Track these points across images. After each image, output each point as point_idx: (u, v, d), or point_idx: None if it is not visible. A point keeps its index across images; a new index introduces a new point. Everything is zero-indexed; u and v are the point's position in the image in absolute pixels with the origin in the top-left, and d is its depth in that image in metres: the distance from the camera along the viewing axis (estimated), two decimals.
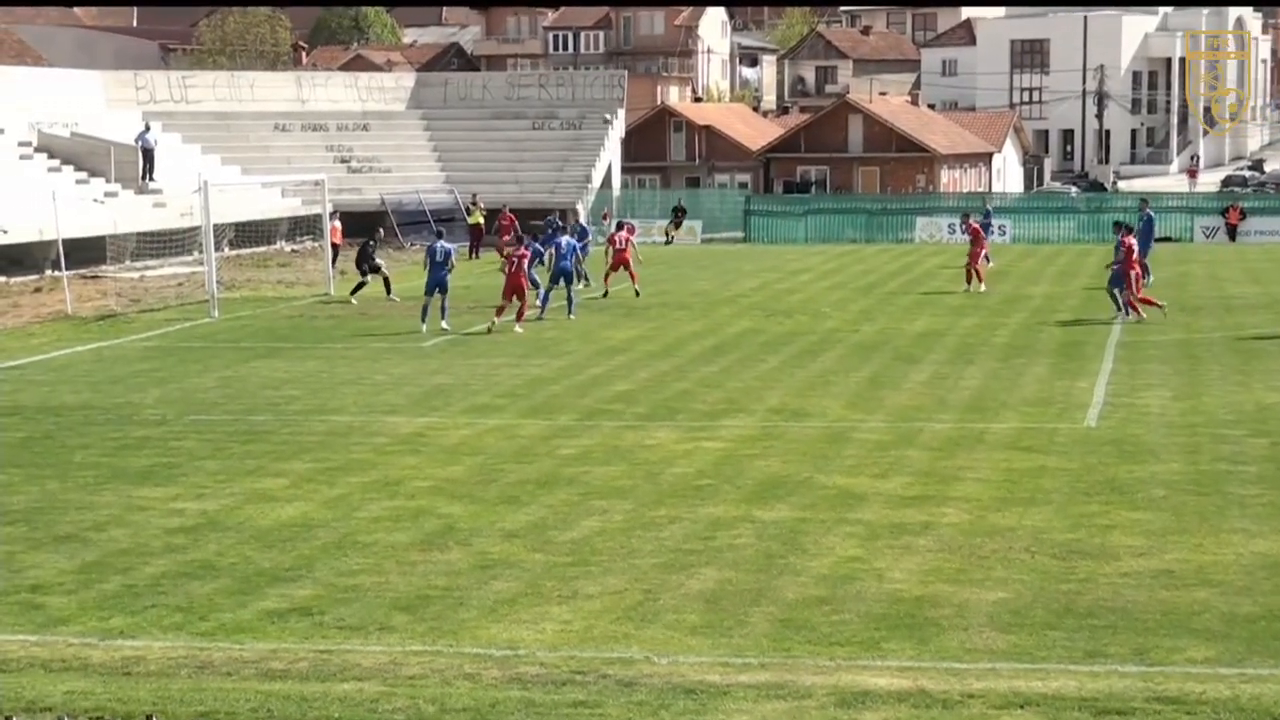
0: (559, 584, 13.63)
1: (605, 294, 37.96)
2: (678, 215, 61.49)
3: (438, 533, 15.54)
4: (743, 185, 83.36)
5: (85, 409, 23.27)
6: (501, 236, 51.14)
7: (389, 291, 37.96)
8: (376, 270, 38.10)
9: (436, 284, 32.01)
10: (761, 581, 13.61)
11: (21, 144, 52.03)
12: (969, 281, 38.58)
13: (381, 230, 40.84)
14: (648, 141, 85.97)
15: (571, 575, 13.90)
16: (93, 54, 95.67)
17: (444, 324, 31.80)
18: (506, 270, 31.90)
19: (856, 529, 15.39)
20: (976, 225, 40.07)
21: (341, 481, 18.00)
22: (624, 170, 71.46)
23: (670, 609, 12.87)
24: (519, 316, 32.11)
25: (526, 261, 32.05)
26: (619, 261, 38.15)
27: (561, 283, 33.85)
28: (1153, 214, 40.54)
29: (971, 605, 12.83)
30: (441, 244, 32.79)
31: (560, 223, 46.56)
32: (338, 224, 45.44)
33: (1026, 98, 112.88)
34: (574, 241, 35.80)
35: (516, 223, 50.84)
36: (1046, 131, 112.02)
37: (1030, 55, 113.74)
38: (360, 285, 38.26)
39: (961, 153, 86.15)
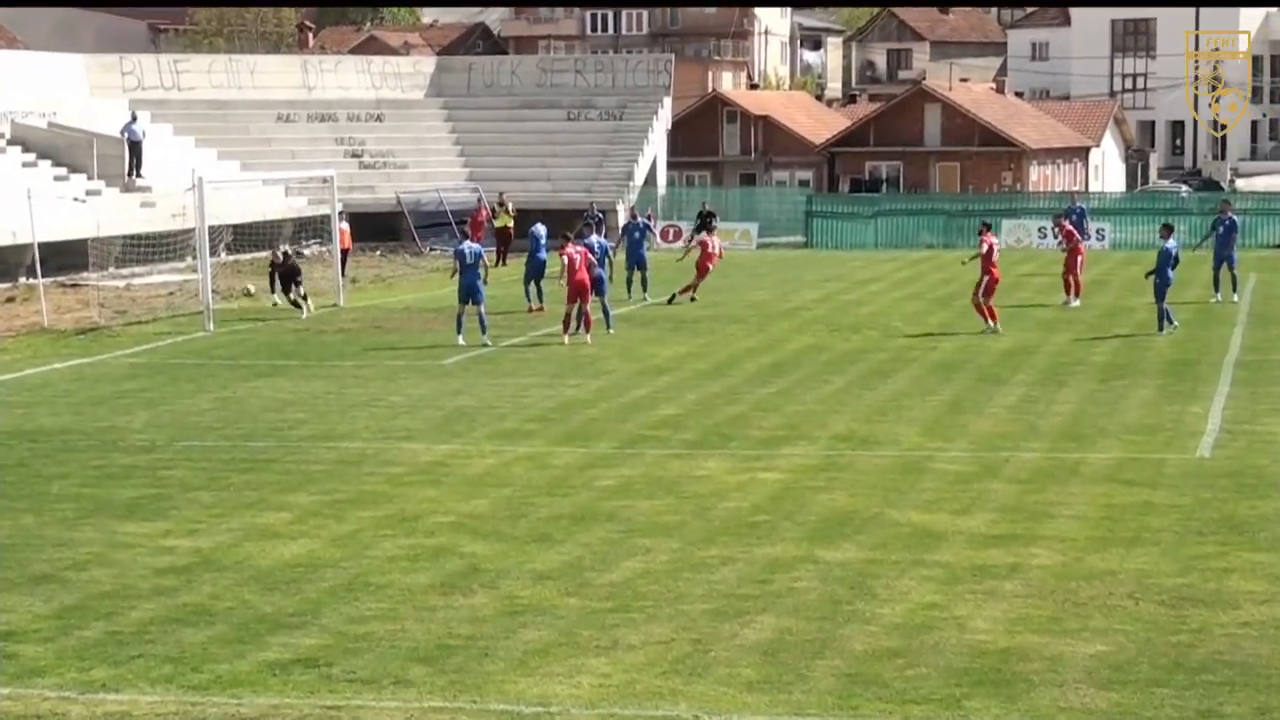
0: (597, 633, 13.64)
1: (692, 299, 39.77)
2: (706, 221, 60.14)
3: (460, 574, 15.57)
4: (804, 183, 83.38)
5: (64, 434, 23.42)
6: (475, 234, 51.34)
7: (301, 307, 37.83)
8: (288, 289, 38.09)
9: (469, 291, 32.08)
10: (826, 631, 13.59)
11: None
12: (1068, 293, 38.43)
13: (292, 251, 40.20)
14: (697, 134, 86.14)
15: (611, 623, 13.90)
16: (73, 35, 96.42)
17: (485, 340, 31.88)
18: (567, 271, 32.07)
19: (934, 572, 15.35)
20: (1071, 227, 39.92)
21: (352, 516, 18.06)
22: (670, 166, 71.56)
23: (723, 661, 12.86)
24: (586, 325, 32.26)
25: (584, 258, 32.16)
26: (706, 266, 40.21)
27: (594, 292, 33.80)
28: (1235, 218, 40.26)
29: (1066, 659, 12.77)
30: (470, 245, 32.91)
31: (600, 216, 46.46)
32: (347, 226, 45.70)
33: (1129, 85, 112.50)
34: (606, 243, 36.05)
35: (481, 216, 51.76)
36: (1152, 123, 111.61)
37: (1133, 37, 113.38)
38: (299, 298, 37.98)
39: (1054, 147, 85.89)
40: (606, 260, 35.38)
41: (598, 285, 33.40)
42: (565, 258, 32.22)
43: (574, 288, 32.19)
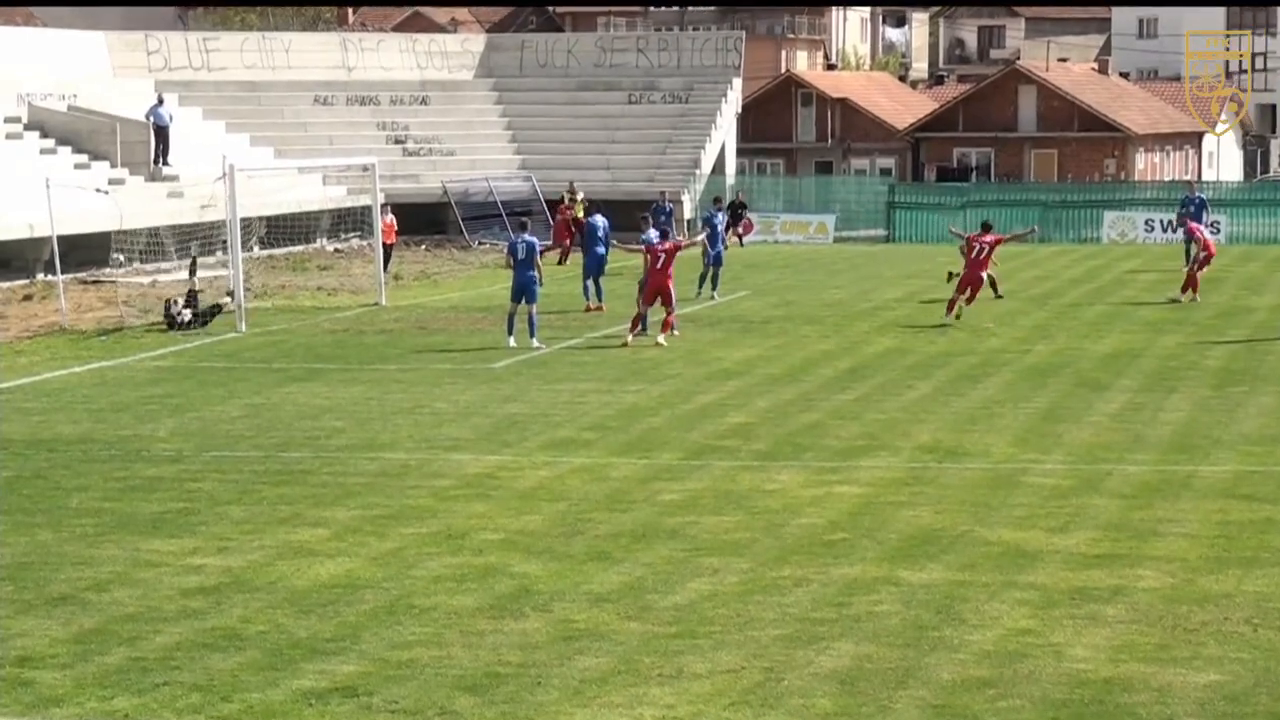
0: (659, 660, 13.64)
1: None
2: (737, 212, 59.70)
3: (511, 596, 15.60)
4: (885, 172, 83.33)
5: (84, 443, 23.59)
6: (560, 240, 50.99)
7: (203, 321, 35.77)
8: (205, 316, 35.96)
9: (522, 288, 32.09)
10: (909, 658, 13.56)
11: (9, 120, 52.92)
12: (1186, 290, 38.23)
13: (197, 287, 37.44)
14: (769, 118, 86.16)
15: (675, 649, 13.91)
16: (95, 12, 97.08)
17: (534, 342, 31.90)
18: (648, 266, 32.09)
19: (1028, 595, 15.30)
20: (1195, 225, 39.94)
21: (394, 533, 18.13)
22: (740, 153, 71.54)
23: (796, 691, 12.84)
24: (665, 326, 32.28)
25: (670, 255, 32.19)
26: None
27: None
28: None
29: (1176, 689, 12.71)
30: (525, 238, 32.87)
31: (671, 207, 46.40)
32: (391, 218, 45.85)
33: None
34: (675, 236, 36.08)
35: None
36: (1273, 106, 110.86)
37: (1252, 13, 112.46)
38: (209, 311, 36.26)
39: (1162, 132, 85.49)
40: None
41: None
42: (647, 251, 32.20)
43: (653, 288, 32.14)
